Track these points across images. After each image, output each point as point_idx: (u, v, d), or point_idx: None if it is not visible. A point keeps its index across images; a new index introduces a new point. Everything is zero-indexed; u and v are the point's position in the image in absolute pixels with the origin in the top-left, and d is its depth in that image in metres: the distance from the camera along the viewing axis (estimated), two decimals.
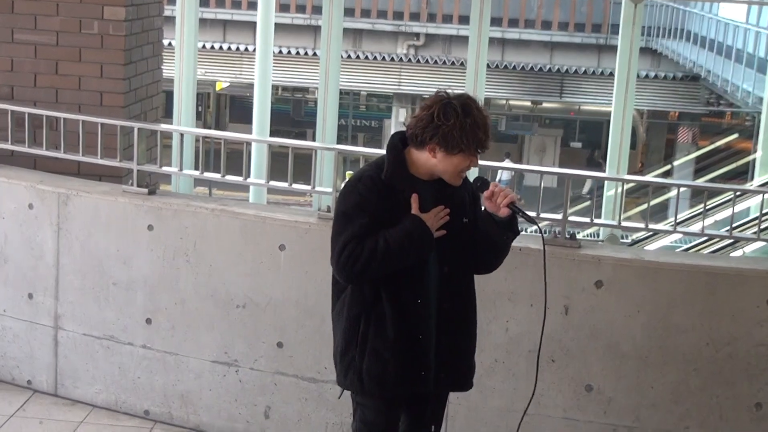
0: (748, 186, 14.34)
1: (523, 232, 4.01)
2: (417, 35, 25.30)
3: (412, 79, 24.80)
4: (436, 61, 24.81)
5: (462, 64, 21.34)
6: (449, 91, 3.43)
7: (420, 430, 3.74)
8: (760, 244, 5.47)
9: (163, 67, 6.11)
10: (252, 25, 20.14)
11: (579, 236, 4.63)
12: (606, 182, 14.36)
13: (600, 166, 23.34)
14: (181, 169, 5.40)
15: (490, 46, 17.21)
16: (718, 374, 4.41)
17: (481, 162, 3.53)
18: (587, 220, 5.13)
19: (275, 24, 16.34)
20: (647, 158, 26.77)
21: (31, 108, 5.37)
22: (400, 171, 3.45)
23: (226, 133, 5.55)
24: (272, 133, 16.66)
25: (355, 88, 26.10)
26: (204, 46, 23.10)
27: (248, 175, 5.46)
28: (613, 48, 17.49)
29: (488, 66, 17.74)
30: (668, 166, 25.12)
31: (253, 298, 4.81)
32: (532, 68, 24.59)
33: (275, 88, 23.13)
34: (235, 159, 5.44)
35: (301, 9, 24.98)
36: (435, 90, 3.47)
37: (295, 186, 5.09)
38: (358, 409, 3.64)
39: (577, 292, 4.45)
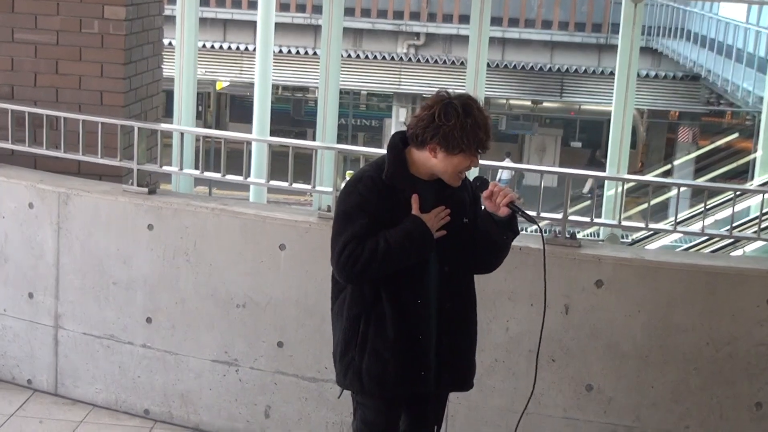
0: (748, 185, 14.34)
1: (523, 232, 4.02)
2: (417, 35, 25.30)
3: (412, 79, 24.80)
4: (436, 61, 24.81)
5: (462, 63, 21.35)
6: (450, 90, 3.43)
7: (420, 429, 3.74)
8: (760, 243, 5.47)
9: (163, 66, 6.11)
10: (252, 25, 20.14)
11: (579, 236, 4.64)
12: (606, 182, 14.35)
13: (602, 165, 23.32)
14: (181, 169, 5.40)
15: (491, 46, 17.21)
16: (718, 374, 4.41)
17: (481, 161, 3.53)
18: (587, 219, 5.13)
19: (275, 23, 16.34)
20: (647, 158, 26.77)
21: (32, 107, 5.37)
22: (400, 171, 3.45)
23: (226, 133, 5.55)
24: (272, 133, 16.66)
25: (355, 88, 26.10)
26: (204, 46, 23.11)
27: (248, 175, 5.45)
28: (614, 47, 17.49)
29: (488, 65, 17.75)
30: (668, 166, 25.12)
31: (253, 297, 4.81)
32: (532, 68, 24.60)
33: (275, 87, 23.12)
34: (236, 158, 5.44)
35: (301, 8, 24.98)
36: (435, 90, 3.48)
37: (296, 185, 5.09)
38: (358, 409, 3.64)
39: (578, 291, 4.45)
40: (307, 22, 24.83)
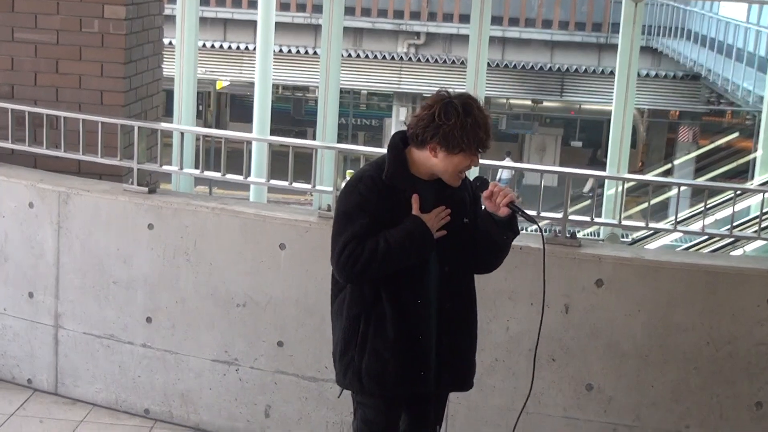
0: (748, 185, 14.35)
1: (524, 231, 4.01)
2: (417, 34, 25.31)
3: (412, 78, 24.80)
4: (436, 60, 24.81)
5: (462, 62, 21.35)
6: (450, 90, 3.42)
7: (421, 429, 3.74)
8: (760, 242, 5.47)
9: (163, 65, 6.11)
10: (252, 24, 20.14)
11: (579, 235, 4.63)
12: (606, 181, 14.35)
13: (603, 165, 23.33)
14: (181, 168, 5.40)
15: (491, 45, 17.21)
16: (718, 373, 4.41)
17: (481, 161, 3.53)
18: (588, 218, 5.13)
19: (276, 23, 16.34)
20: (648, 157, 26.77)
21: (32, 107, 5.37)
22: (401, 171, 3.45)
23: (226, 132, 5.55)
24: (273, 132, 16.65)
25: (355, 87, 26.10)
26: (204, 45, 23.11)
27: (248, 174, 5.45)
28: (614, 47, 17.48)
29: (489, 65, 17.74)
30: (669, 165, 25.12)
31: (253, 296, 4.81)
32: (532, 67, 24.60)
33: (276, 86, 23.11)
34: (236, 158, 5.45)
35: (301, 8, 24.98)
36: (436, 89, 3.47)
37: (296, 185, 5.09)
38: (358, 408, 3.64)
39: (578, 291, 4.45)
40: (307, 22, 24.83)
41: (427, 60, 24.94)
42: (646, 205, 5.43)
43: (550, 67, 24.74)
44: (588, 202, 19.51)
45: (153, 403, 5.07)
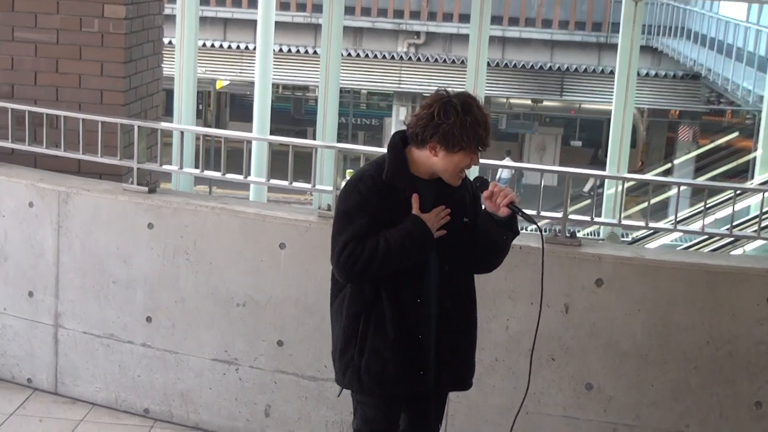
0: (748, 184, 14.35)
1: (524, 231, 4.01)
2: (417, 33, 25.31)
3: (412, 78, 24.81)
4: (436, 60, 24.81)
5: (462, 62, 21.35)
6: (449, 89, 3.43)
7: (420, 429, 3.74)
8: (760, 242, 5.48)
9: (163, 65, 6.11)
10: (252, 24, 20.14)
11: (579, 234, 4.63)
12: (606, 180, 14.35)
13: (604, 164, 23.34)
14: (181, 168, 5.40)
15: (491, 45, 17.21)
16: (718, 372, 4.41)
17: (481, 160, 3.53)
18: (587, 218, 5.13)
19: (276, 22, 16.34)
20: (647, 157, 26.78)
21: (32, 106, 5.37)
22: (401, 170, 3.45)
23: (226, 132, 5.55)
24: (273, 132, 16.65)
25: (355, 87, 26.10)
26: (204, 45, 23.11)
27: (248, 174, 5.45)
28: (614, 46, 17.48)
29: (489, 64, 17.75)
30: (668, 165, 25.13)
31: (253, 296, 4.81)
32: (532, 66, 24.61)
33: (276, 86, 23.12)
34: (236, 157, 5.44)
35: (301, 7, 24.99)
36: (435, 88, 3.47)
37: (296, 184, 5.09)
38: (358, 407, 3.64)
39: (578, 290, 4.45)
40: (307, 21, 24.84)
41: (427, 59, 24.95)
42: (645, 204, 5.43)
43: (550, 67, 24.75)
44: (588, 201, 19.51)
45: (153, 402, 5.07)
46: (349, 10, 21.70)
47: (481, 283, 3.72)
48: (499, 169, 18.81)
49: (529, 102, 26.59)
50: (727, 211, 11.77)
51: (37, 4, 5.47)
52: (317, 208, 4.86)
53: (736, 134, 25.22)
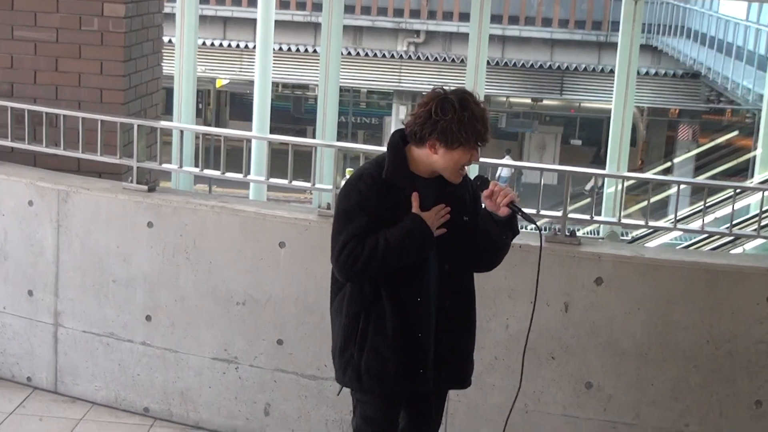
0: (748, 183, 14.36)
1: (523, 230, 4.00)
2: (417, 32, 25.32)
3: (412, 77, 24.82)
4: (436, 58, 24.83)
5: (462, 61, 21.36)
6: (445, 87, 3.42)
7: (420, 427, 3.74)
8: (760, 241, 5.48)
9: (163, 64, 6.11)
10: (252, 22, 20.15)
11: (579, 233, 4.63)
12: (606, 179, 14.36)
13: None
14: (180, 166, 5.40)
15: (491, 44, 17.22)
16: (718, 371, 4.41)
17: (481, 159, 3.53)
18: (587, 217, 5.13)
19: (275, 21, 16.35)
20: (647, 155, 26.79)
21: (31, 105, 5.37)
22: (400, 169, 3.45)
23: (226, 130, 5.53)
24: (272, 130, 16.67)
25: (355, 86, 26.12)
26: (204, 43, 23.12)
27: (248, 172, 5.44)
28: (614, 45, 17.50)
29: (488, 63, 17.75)
30: (668, 164, 25.14)
31: (252, 295, 4.81)
32: (532, 65, 24.61)
33: (275, 85, 23.13)
34: (235, 156, 5.44)
35: (301, 6, 25.00)
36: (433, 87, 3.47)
37: (295, 183, 5.08)
38: (358, 406, 3.64)
39: (577, 289, 4.45)
40: (307, 20, 24.85)
41: (427, 58, 24.96)
42: (645, 203, 5.43)
43: (550, 66, 24.76)
44: (588, 200, 19.52)
45: (152, 401, 5.07)
46: (349, 9, 21.72)
47: (481, 282, 3.72)
48: (499, 168, 18.83)
49: (528, 101, 26.60)
50: (726, 210, 11.79)
51: (37, 2, 5.47)
52: (317, 207, 4.86)
53: (735, 133, 25.23)
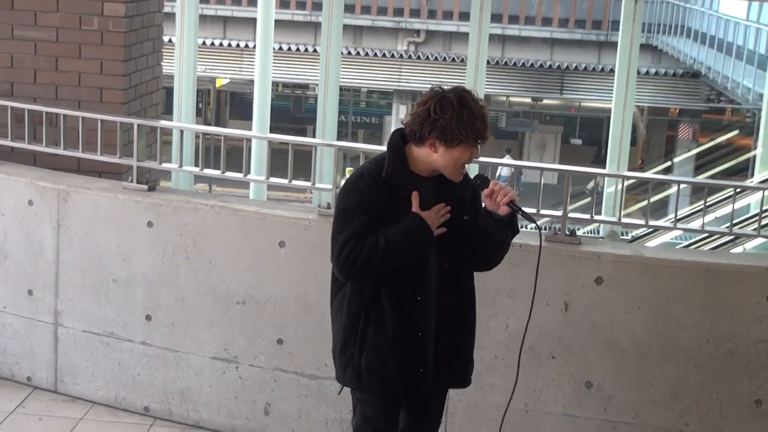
0: (748, 182, 14.36)
1: (524, 229, 4.00)
2: (417, 32, 25.32)
3: (412, 76, 24.82)
4: (436, 58, 24.83)
5: (462, 60, 21.35)
6: (444, 85, 3.42)
7: (420, 426, 3.74)
8: (760, 240, 5.48)
9: (163, 63, 6.11)
10: (252, 22, 20.15)
11: (579, 233, 4.63)
12: (606, 179, 14.36)
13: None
14: (180, 166, 5.40)
15: (491, 43, 17.22)
16: (718, 371, 4.41)
17: (481, 159, 3.53)
18: (587, 216, 5.13)
19: (275, 20, 16.35)
20: (647, 155, 26.79)
21: (31, 104, 5.37)
22: (400, 168, 3.45)
23: (226, 130, 5.53)
24: (272, 130, 16.67)
25: (355, 85, 26.12)
26: (204, 43, 23.12)
27: (248, 172, 5.44)
28: (614, 45, 17.49)
29: (488, 63, 17.75)
30: (668, 163, 25.14)
31: (253, 294, 4.81)
32: (532, 65, 24.61)
33: (275, 84, 23.14)
34: (235, 156, 5.44)
35: (301, 5, 25.00)
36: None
37: (295, 182, 5.08)
38: (358, 405, 3.64)
39: (577, 288, 4.45)
40: (307, 19, 24.85)
41: (427, 58, 24.96)
42: (645, 202, 5.43)
43: (550, 65, 24.76)
44: (588, 199, 19.53)
45: (152, 400, 5.07)
46: (349, 9, 21.72)
47: (481, 282, 3.72)
48: (499, 168, 18.82)
49: (529, 100, 26.60)
50: (726, 209, 11.79)
51: (37, 2, 5.47)
52: (317, 207, 4.86)
53: (735, 132, 25.24)
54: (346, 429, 4.69)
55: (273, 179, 5.10)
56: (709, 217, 9.91)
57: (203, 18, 21.88)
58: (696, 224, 8.51)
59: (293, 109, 27.99)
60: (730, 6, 21.79)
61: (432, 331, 3.51)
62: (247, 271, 4.81)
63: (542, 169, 5.03)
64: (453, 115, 3.33)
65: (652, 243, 13.35)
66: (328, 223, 3.75)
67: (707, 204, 5.81)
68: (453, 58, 24.37)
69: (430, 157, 3.42)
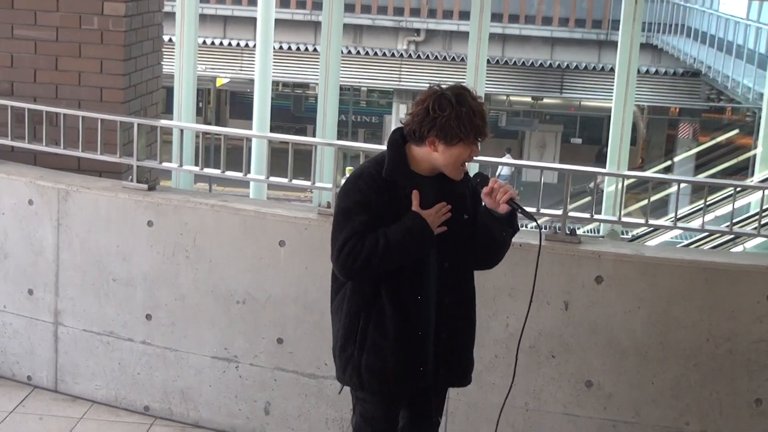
0: (748, 182, 14.36)
1: (524, 228, 4.00)
2: (417, 31, 25.33)
3: (412, 75, 24.82)
4: (436, 57, 24.83)
5: (462, 59, 21.35)
6: (441, 84, 3.42)
7: (420, 426, 3.74)
8: (760, 239, 5.48)
9: (163, 62, 6.11)
10: (252, 21, 20.16)
11: (579, 232, 4.63)
12: (606, 178, 14.37)
13: None
14: (181, 165, 5.40)
15: (491, 42, 17.22)
16: (718, 370, 4.41)
17: (481, 158, 3.53)
18: (587, 215, 5.13)
19: (275, 20, 16.35)
20: (647, 154, 26.80)
21: (31, 104, 5.37)
22: (400, 167, 3.45)
23: (226, 129, 5.53)
24: (272, 129, 16.68)
25: (355, 84, 26.13)
26: (204, 42, 23.13)
27: (248, 171, 5.44)
28: (614, 44, 17.50)
29: (489, 62, 17.76)
30: (668, 162, 25.15)
31: (253, 294, 4.81)
32: (532, 64, 24.61)
33: (275, 83, 23.14)
34: (235, 155, 5.44)
35: (301, 5, 25.01)
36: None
37: (295, 182, 5.08)
38: (357, 404, 3.64)
39: (577, 287, 4.45)
40: (307, 19, 24.85)
41: (427, 57, 24.97)
42: (645, 201, 5.43)
43: (550, 64, 24.76)
44: (588, 198, 19.53)
45: (153, 400, 5.07)
46: (349, 8, 21.72)
47: (481, 281, 3.72)
48: (499, 167, 18.81)
49: (529, 99, 26.60)
50: (727, 209, 11.79)
51: (37, 1, 5.46)
52: (317, 206, 4.86)
53: (736, 131, 25.24)
54: (346, 428, 4.69)
55: (273, 178, 5.10)
56: (709, 216, 9.90)
57: (203, 17, 21.88)
58: (696, 223, 8.50)
59: (293, 108, 28.00)
60: (730, 5, 21.78)
61: (432, 330, 3.51)
62: (247, 271, 4.81)
63: (542, 168, 5.03)
64: (452, 113, 3.33)
65: (653, 242, 13.36)
66: (328, 222, 3.75)
67: (707, 203, 5.81)
68: (453, 57, 24.38)
69: (430, 155, 3.42)
